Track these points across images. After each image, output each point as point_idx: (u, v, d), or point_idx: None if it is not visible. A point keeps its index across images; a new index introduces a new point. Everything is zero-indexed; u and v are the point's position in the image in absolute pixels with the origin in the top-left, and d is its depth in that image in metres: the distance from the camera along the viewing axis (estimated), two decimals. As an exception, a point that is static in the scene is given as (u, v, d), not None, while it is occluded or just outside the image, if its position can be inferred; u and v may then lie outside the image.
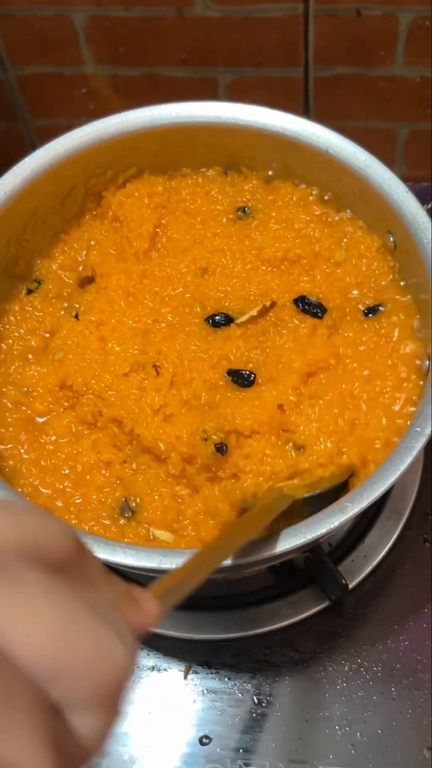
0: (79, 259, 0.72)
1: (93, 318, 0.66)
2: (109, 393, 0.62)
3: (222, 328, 0.65)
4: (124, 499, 0.60)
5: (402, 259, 0.66)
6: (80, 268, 0.72)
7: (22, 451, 0.62)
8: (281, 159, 0.72)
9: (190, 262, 0.69)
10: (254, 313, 0.65)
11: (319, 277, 0.68)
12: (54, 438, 0.63)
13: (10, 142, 1.05)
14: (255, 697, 0.64)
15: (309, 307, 0.66)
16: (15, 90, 0.99)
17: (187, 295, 0.67)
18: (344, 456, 0.58)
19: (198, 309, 0.66)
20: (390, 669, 0.65)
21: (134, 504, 0.60)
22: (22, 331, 0.68)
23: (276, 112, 0.70)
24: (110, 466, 0.61)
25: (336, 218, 0.71)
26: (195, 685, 0.66)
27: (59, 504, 0.60)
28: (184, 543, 0.58)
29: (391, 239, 0.66)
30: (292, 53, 0.91)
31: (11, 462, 0.62)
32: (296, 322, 0.65)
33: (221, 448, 0.58)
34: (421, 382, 0.60)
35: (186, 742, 0.63)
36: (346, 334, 0.64)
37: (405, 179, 0.65)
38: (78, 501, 0.60)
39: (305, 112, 0.96)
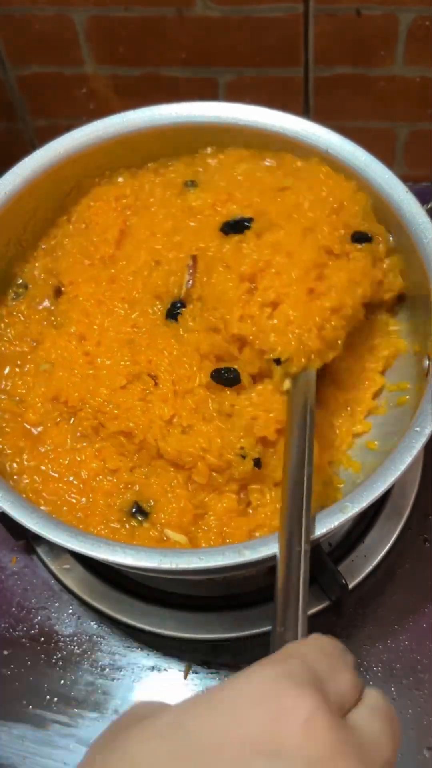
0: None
1: (72, 330, 0.64)
2: (110, 407, 0.60)
3: (179, 319, 0.63)
4: (135, 501, 0.60)
5: (402, 259, 0.66)
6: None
7: (25, 458, 0.62)
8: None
9: (147, 258, 0.67)
10: (187, 278, 0.63)
11: (257, 200, 0.65)
12: (52, 447, 0.62)
13: (10, 142, 1.05)
14: (255, 697, 0.64)
15: (233, 226, 0.63)
16: (15, 90, 0.99)
17: (146, 295, 0.65)
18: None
19: (159, 306, 0.64)
20: (390, 669, 0.65)
21: (149, 506, 0.59)
22: (11, 336, 0.67)
23: (276, 112, 0.70)
24: (117, 473, 0.61)
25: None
26: (195, 685, 0.66)
27: (64, 509, 0.59)
28: (205, 542, 0.58)
29: (391, 239, 0.66)
30: (292, 53, 0.91)
31: (15, 467, 0.61)
32: (223, 251, 0.62)
33: (258, 462, 0.58)
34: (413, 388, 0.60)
35: (186, 742, 0.63)
36: (282, 234, 0.61)
37: (405, 179, 0.65)
38: (85, 505, 0.60)
39: (305, 112, 0.96)
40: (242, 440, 0.58)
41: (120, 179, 0.73)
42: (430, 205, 0.64)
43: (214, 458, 0.58)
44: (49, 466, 0.61)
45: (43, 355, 0.64)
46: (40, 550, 0.73)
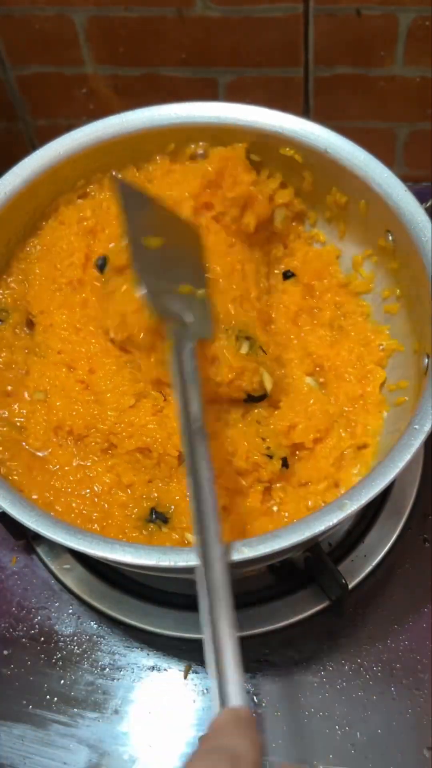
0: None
1: (57, 359, 0.64)
2: (121, 427, 0.60)
3: None
4: (153, 508, 0.60)
5: (401, 258, 0.66)
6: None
7: (34, 474, 0.61)
8: (281, 159, 0.72)
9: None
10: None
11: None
12: (60, 466, 0.62)
13: (10, 142, 1.05)
14: (255, 697, 0.64)
15: (100, 266, 0.65)
16: (15, 90, 0.99)
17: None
18: None
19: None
20: (390, 669, 0.65)
21: (169, 512, 0.59)
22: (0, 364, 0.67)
23: (276, 112, 0.70)
24: (132, 486, 0.61)
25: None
26: (195, 685, 0.66)
27: (78, 522, 0.59)
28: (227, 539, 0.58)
29: (390, 238, 0.66)
30: (292, 53, 0.90)
31: (24, 482, 0.61)
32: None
33: (285, 461, 0.58)
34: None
35: (186, 742, 0.63)
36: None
37: (405, 179, 0.65)
38: (101, 517, 0.60)
39: (305, 112, 0.96)
40: (268, 440, 0.58)
41: (79, 201, 0.72)
42: (429, 203, 0.64)
43: (242, 461, 0.58)
44: (58, 483, 0.61)
45: (33, 385, 0.64)
46: (40, 550, 0.73)
